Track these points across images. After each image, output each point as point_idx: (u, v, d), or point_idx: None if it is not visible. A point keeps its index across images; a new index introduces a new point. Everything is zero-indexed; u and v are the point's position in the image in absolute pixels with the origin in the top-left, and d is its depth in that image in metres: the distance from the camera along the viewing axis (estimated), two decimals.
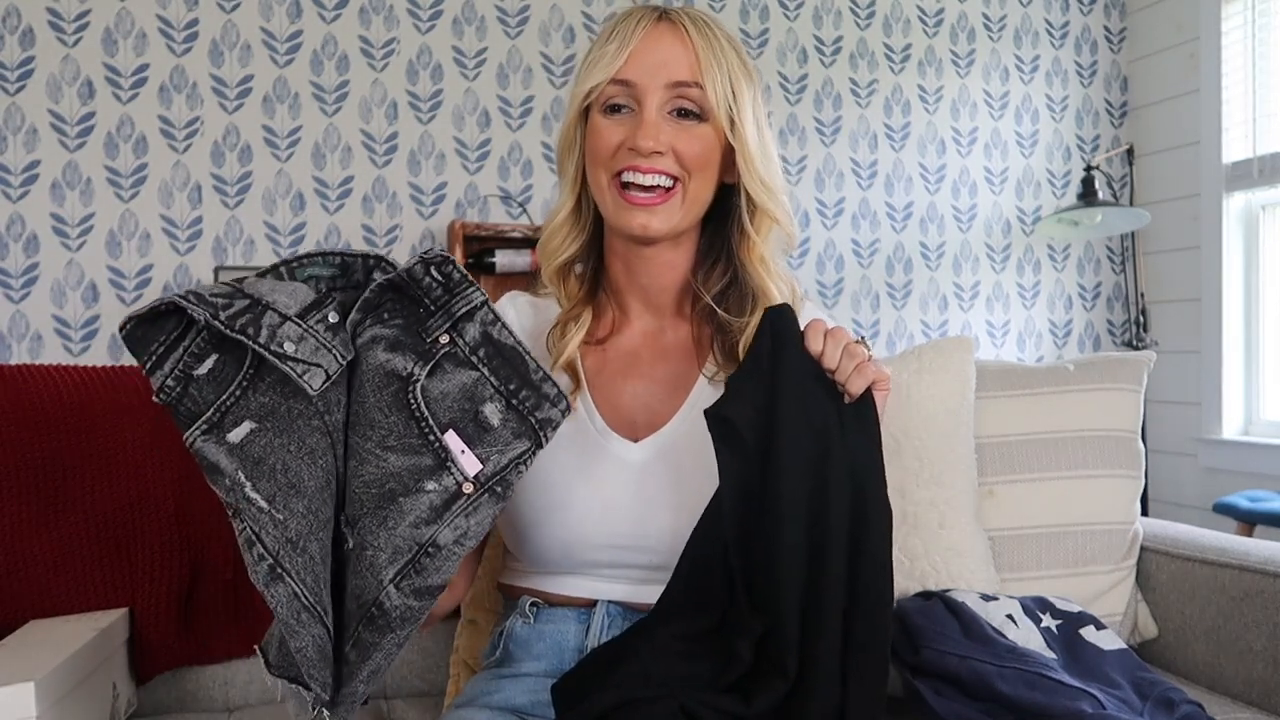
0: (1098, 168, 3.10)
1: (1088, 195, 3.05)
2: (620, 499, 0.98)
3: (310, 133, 2.95)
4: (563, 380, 1.00)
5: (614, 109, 0.97)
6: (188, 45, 2.85)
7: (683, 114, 0.96)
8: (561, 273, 1.05)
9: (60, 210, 2.75)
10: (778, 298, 0.99)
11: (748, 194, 0.99)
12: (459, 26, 3.08)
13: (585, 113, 0.99)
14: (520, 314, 1.09)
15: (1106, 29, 3.69)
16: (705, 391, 1.01)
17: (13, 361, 1.99)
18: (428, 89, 3.05)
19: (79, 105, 2.77)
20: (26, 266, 2.73)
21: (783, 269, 1.03)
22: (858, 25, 3.45)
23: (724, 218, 1.03)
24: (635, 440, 1.00)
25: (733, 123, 0.96)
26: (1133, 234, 3.42)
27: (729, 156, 0.99)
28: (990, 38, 3.57)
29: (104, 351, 2.78)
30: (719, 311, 1.01)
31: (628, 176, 0.95)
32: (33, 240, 2.73)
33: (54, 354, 2.74)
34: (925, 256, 3.50)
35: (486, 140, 3.09)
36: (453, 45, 3.07)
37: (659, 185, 0.96)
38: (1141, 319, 3.38)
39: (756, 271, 1.00)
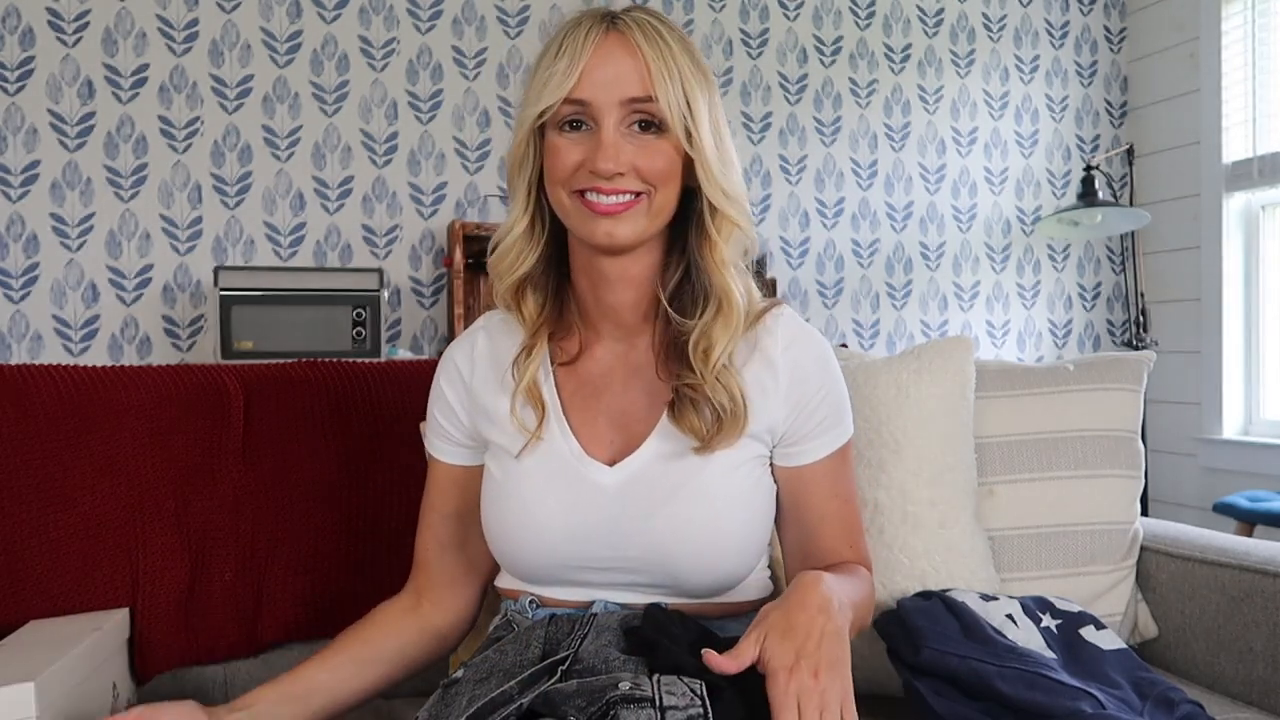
0: (1098, 168, 3.10)
1: (1088, 195, 3.05)
2: (596, 523, 0.98)
3: (310, 133, 2.95)
4: (529, 415, 1.00)
5: (573, 125, 0.94)
6: (188, 45, 2.85)
7: (643, 126, 0.94)
8: (516, 293, 1.02)
9: (60, 210, 2.75)
10: (739, 300, 0.98)
11: (709, 201, 0.97)
12: (459, 26, 3.08)
13: (539, 129, 0.97)
14: (492, 335, 1.07)
15: (1106, 29, 3.69)
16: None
17: (13, 361, 1.99)
18: (428, 89, 3.05)
19: (79, 105, 2.77)
20: (26, 266, 2.73)
21: (745, 277, 1.01)
22: (858, 25, 3.45)
23: (683, 219, 1.01)
24: (611, 464, 0.99)
25: (689, 134, 0.94)
26: (1133, 234, 3.42)
27: (689, 163, 0.97)
28: (990, 38, 3.57)
29: (104, 351, 2.78)
30: (670, 313, 0.99)
31: (591, 197, 0.94)
32: (33, 240, 2.73)
33: (54, 354, 2.74)
34: (925, 256, 3.50)
35: (486, 140, 3.09)
36: (453, 45, 3.07)
37: (622, 197, 0.94)
38: (1141, 319, 3.38)
39: (718, 272, 0.98)
